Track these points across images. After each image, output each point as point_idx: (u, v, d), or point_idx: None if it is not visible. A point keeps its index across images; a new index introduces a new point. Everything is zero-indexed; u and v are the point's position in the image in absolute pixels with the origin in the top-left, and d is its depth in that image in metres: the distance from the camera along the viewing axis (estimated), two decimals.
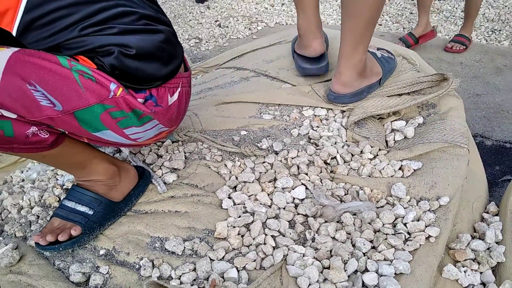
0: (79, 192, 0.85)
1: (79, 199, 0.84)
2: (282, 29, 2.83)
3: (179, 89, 0.84)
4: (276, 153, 1.04)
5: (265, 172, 0.97)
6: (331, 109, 1.15)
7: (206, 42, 2.84)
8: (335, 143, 1.04)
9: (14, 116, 0.64)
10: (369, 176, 0.95)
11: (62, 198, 0.97)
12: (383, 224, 0.83)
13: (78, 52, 0.68)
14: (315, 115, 1.14)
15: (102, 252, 0.82)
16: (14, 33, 0.65)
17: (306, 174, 0.96)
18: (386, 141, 1.05)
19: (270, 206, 0.89)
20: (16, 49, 0.63)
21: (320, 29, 1.25)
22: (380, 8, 0.97)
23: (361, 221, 0.84)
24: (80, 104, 0.67)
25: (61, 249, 0.80)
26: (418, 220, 0.83)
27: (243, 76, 1.37)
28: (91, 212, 0.83)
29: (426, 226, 0.81)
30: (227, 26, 3.05)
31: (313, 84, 1.24)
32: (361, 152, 1.00)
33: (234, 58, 1.53)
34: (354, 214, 0.86)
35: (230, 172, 0.99)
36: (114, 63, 0.69)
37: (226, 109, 1.21)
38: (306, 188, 0.92)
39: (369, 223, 0.83)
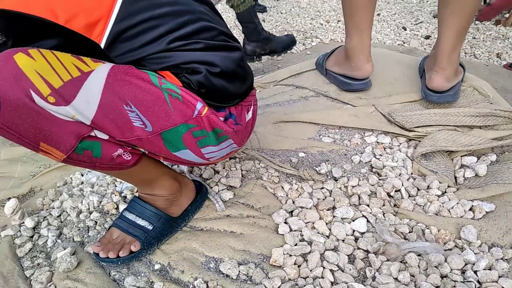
0: (140, 205, 0.85)
1: (140, 212, 0.84)
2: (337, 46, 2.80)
3: (252, 107, 0.83)
4: (335, 179, 1.00)
5: (324, 199, 0.94)
6: (396, 136, 1.11)
7: None
8: (400, 174, 0.99)
9: (106, 137, 0.65)
10: (436, 215, 0.89)
11: (120, 205, 0.98)
12: (451, 270, 0.77)
13: (163, 67, 0.68)
14: (378, 142, 1.10)
15: (157, 267, 0.82)
16: (102, 45, 0.65)
17: (368, 205, 0.92)
18: (455, 177, 0.99)
19: (328, 237, 0.86)
20: (111, 64, 0.63)
21: (370, 50, 1.24)
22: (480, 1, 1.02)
23: (427, 263, 0.79)
24: (168, 124, 0.68)
25: (119, 263, 0.81)
26: (490, 269, 0.77)
27: (302, 95, 1.34)
28: (150, 227, 0.83)
29: (499, 277, 0.75)
30: None
31: (376, 104, 1.20)
32: (428, 187, 0.95)
33: (292, 75, 1.51)
34: (419, 255, 0.81)
35: (287, 195, 0.97)
36: (202, 81, 0.69)
37: (284, 128, 1.19)
38: (368, 221, 0.88)
39: (435, 266, 0.78)
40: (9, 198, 1.29)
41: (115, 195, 1.02)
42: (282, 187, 0.98)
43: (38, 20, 0.61)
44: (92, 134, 0.64)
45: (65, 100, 0.59)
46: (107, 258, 0.80)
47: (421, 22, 3.30)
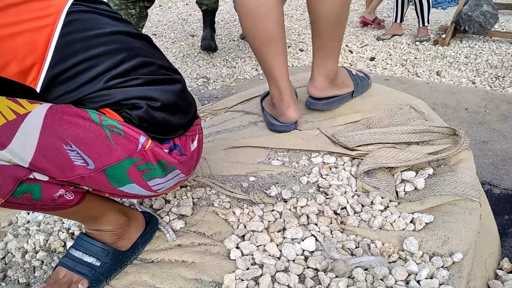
0: (86, 242, 0.83)
1: (87, 249, 0.83)
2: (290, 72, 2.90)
3: (197, 136, 0.85)
4: (285, 201, 1.03)
5: (274, 221, 0.96)
6: (340, 156, 1.15)
7: (214, 81, 2.89)
8: (345, 192, 1.03)
9: (46, 178, 0.64)
10: (380, 229, 0.93)
11: (67, 242, 0.96)
12: (396, 281, 0.81)
13: (103, 105, 0.68)
14: (324, 162, 1.14)
15: None
16: (38, 89, 0.65)
17: (316, 224, 0.95)
18: (397, 192, 1.04)
19: (279, 258, 0.87)
20: (49, 105, 0.63)
21: (293, 96, 1.25)
22: (341, 29, 1.16)
23: (373, 277, 0.82)
24: (111, 161, 0.68)
25: None
26: (431, 278, 0.81)
27: (251, 120, 1.38)
28: (98, 264, 0.82)
29: (440, 285, 0.79)
30: (235, 67, 3.11)
31: (321, 127, 1.25)
32: (372, 202, 0.99)
33: (243, 101, 1.55)
34: (366, 269, 0.84)
35: (239, 220, 0.98)
36: (143, 116, 0.69)
37: (234, 153, 1.21)
38: (316, 239, 0.91)
39: (381, 279, 0.81)
40: None
41: (63, 232, 0.99)
42: (234, 212, 1.00)
43: None
44: (31, 176, 0.63)
45: (0, 144, 0.58)
46: None
47: (366, 45, 3.48)
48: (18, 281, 0.88)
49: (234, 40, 3.74)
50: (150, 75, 0.73)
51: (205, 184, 1.08)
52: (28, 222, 1.10)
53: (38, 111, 0.62)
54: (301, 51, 3.43)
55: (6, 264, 0.95)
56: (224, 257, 0.88)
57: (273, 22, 1.09)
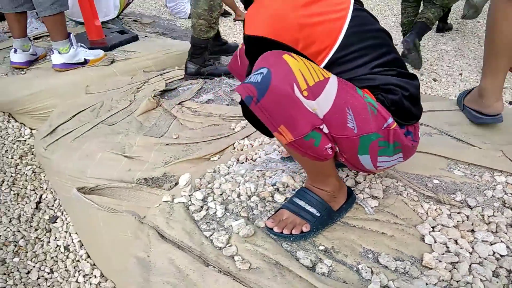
0: (309, 195, 0.99)
1: (309, 200, 0.99)
2: (423, 99, 2.92)
3: (420, 128, 0.97)
4: (470, 208, 1.10)
5: (462, 222, 1.04)
6: None
7: None
8: None
9: (326, 131, 0.81)
10: None
11: (275, 195, 1.13)
12: None
13: (365, 86, 0.85)
14: (507, 183, 1.19)
15: (321, 248, 0.95)
16: (322, 66, 0.85)
17: (505, 233, 1.01)
18: None
19: (471, 253, 0.95)
20: (335, 76, 0.81)
21: (502, 90, 1.38)
22: None
23: None
24: (366, 131, 0.83)
25: (291, 239, 0.95)
26: None
27: (425, 131, 1.47)
28: (318, 214, 0.97)
29: None
30: None
31: (504, 150, 1.29)
32: None
33: None
34: None
35: (427, 213, 1.07)
36: (397, 101, 0.85)
37: (415, 156, 1.30)
38: (507, 247, 0.97)
39: None
40: (145, 179, 1.49)
41: (269, 186, 1.17)
42: (421, 206, 1.09)
43: (282, 45, 0.81)
44: (321, 127, 0.80)
45: (313, 95, 0.76)
46: (281, 233, 0.95)
47: None
48: (240, 214, 1.07)
49: None
50: (400, 69, 0.89)
51: (393, 176, 1.20)
52: (229, 173, 1.30)
53: (334, 78, 0.80)
54: (435, 81, 3.41)
55: (224, 200, 1.15)
56: (419, 239, 0.98)
57: None
